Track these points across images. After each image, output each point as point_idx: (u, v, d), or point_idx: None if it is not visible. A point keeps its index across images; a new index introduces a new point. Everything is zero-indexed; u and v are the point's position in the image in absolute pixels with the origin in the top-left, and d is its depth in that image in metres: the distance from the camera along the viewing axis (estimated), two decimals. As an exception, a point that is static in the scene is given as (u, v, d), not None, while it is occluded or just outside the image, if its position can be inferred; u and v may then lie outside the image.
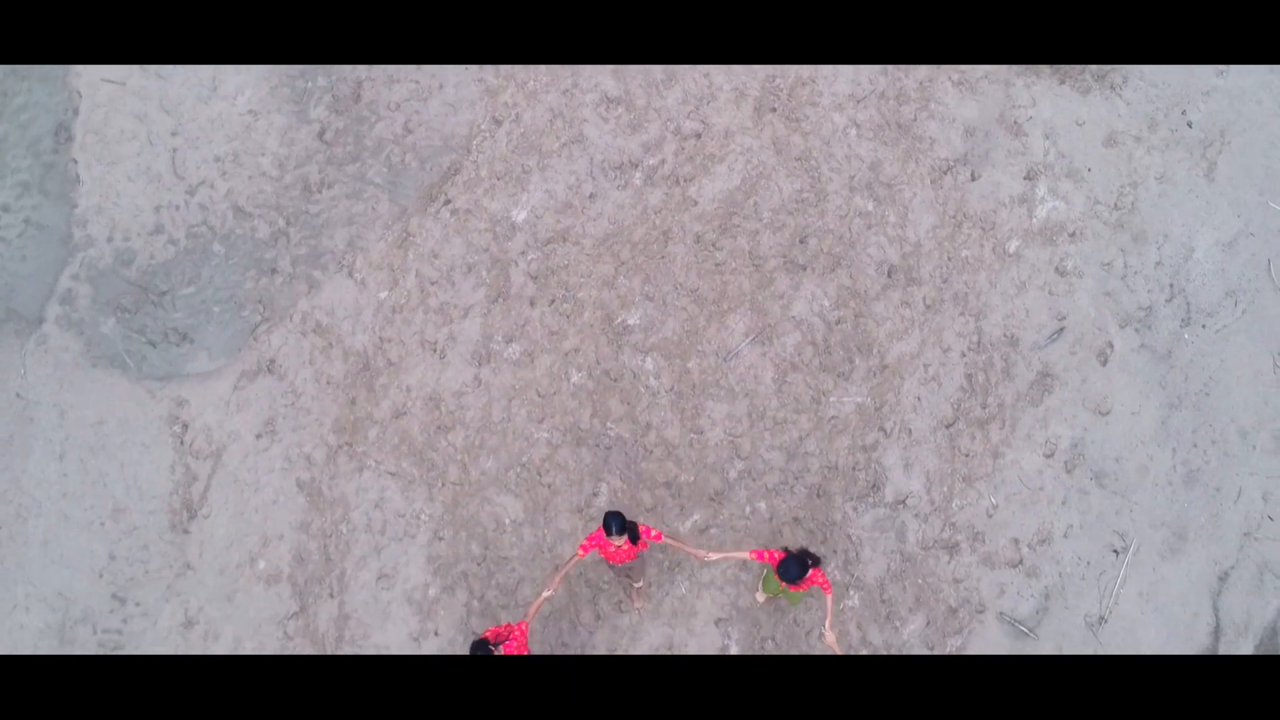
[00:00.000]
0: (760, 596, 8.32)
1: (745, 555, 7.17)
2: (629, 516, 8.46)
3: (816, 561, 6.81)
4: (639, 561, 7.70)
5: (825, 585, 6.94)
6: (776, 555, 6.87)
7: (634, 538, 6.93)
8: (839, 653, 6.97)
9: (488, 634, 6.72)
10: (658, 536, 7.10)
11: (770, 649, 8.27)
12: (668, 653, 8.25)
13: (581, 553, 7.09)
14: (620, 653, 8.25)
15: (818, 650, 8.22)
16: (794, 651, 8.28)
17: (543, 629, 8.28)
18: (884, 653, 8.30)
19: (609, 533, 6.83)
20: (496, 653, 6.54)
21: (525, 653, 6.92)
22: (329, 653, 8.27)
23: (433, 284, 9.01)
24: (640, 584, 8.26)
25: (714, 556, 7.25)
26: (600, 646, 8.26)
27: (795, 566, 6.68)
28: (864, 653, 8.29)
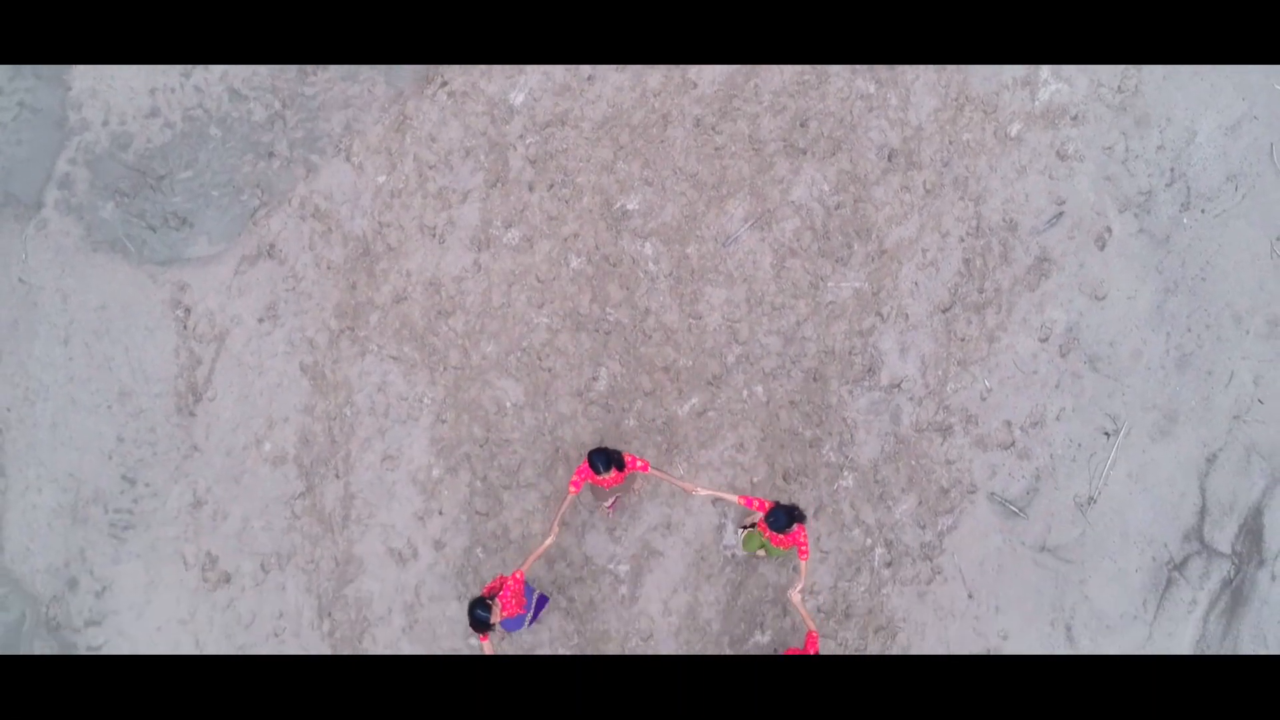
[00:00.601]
0: (740, 542, 8.41)
1: (734, 499, 7.21)
2: (627, 403, 8.60)
3: (803, 518, 6.87)
4: (626, 483, 7.88)
5: (804, 550, 6.97)
6: (766, 504, 6.94)
7: (620, 466, 7.02)
8: (804, 615, 6.96)
9: (485, 590, 6.87)
10: (644, 467, 7.19)
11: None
12: (665, 531, 8.47)
13: (573, 489, 7.13)
14: (619, 532, 8.47)
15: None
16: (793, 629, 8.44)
17: (544, 508, 8.48)
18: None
19: (596, 472, 6.94)
20: (494, 608, 6.62)
21: (522, 602, 7.09)
22: (336, 532, 8.49)
23: (431, 168, 8.97)
24: (636, 489, 8.46)
25: (703, 492, 7.27)
26: (599, 527, 8.47)
27: (784, 516, 6.74)
28: (856, 532, 8.51)
